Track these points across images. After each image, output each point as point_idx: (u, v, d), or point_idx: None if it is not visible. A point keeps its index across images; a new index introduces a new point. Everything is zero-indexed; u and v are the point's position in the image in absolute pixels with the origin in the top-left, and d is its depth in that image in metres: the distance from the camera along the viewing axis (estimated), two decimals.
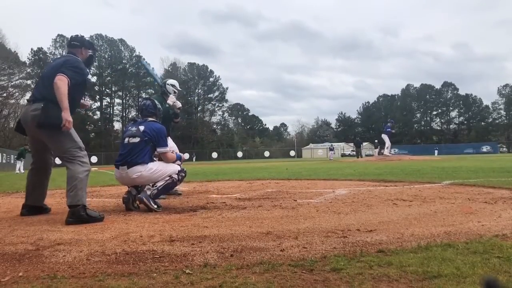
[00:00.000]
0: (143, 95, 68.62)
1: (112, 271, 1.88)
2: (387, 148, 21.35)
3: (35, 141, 3.78)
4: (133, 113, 69.12)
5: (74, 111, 3.71)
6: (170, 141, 5.35)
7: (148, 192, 3.91)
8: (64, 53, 3.81)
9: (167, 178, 4.03)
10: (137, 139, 3.99)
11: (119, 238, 2.59)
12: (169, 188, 4.17)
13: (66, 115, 3.42)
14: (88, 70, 3.90)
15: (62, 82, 3.43)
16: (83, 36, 4.01)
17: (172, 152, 4.26)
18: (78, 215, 3.27)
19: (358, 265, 1.85)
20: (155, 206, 3.88)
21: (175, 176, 4.08)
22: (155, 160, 4.16)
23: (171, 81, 5.69)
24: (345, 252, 2.09)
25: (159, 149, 4.07)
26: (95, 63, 64.77)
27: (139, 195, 3.90)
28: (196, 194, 5.51)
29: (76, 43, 3.88)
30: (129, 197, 4.02)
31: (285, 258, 2.01)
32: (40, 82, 3.78)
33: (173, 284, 1.67)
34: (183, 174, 4.23)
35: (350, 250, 2.14)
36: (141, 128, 4.05)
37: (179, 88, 5.68)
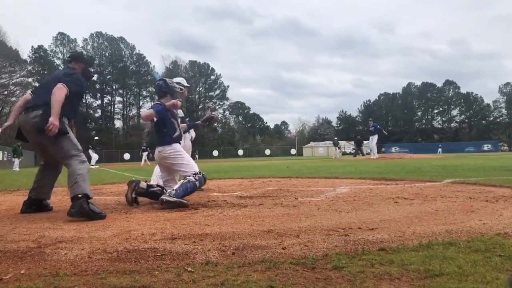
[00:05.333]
0: (144, 93, 68.67)
1: (114, 268, 1.89)
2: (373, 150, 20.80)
3: (38, 147, 3.84)
4: (134, 111, 69.21)
5: (74, 116, 3.81)
6: (188, 141, 5.41)
7: (167, 194, 3.97)
8: (68, 54, 3.97)
9: (184, 180, 4.10)
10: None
11: (120, 236, 2.60)
12: (189, 189, 4.08)
13: (54, 120, 3.46)
14: (86, 83, 4.02)
15: (60, 90, 3.52)
16: (79, 52, 4.15)
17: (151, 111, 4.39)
18: (80, 207, 3.30)
19: (360, 263, 1.86)
20: (179, 199, 3.92)
21: (192, 178, 4.10)
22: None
23: (176, 79, 5.60)
24: (347, 250, 2.09)
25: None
26: (95, 61, 64.77)
27: (160, 197, 3.96)
28: (197, 192, 5.50)
29: (71, 59, 4.01)
30: (132, 201, 4.20)
31: (286, 256, 2.01)
32: (39, 90, 3.88)
33: (175, 282, 1.68)
34: (200, 176, 4.20)
35: (351, 248, 2.14)
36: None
37: (186, 84, 5.60)
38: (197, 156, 50.77)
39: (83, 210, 3.28)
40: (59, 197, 5.06)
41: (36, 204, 3.88)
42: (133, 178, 4.52)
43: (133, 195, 4.19)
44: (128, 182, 4.30)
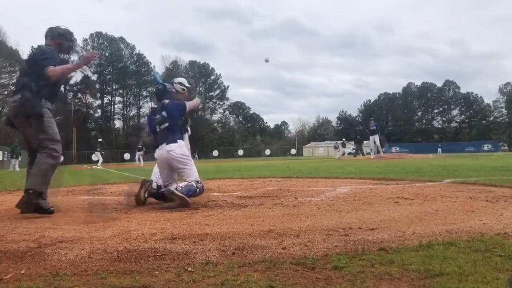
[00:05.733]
0: (144, 93, 68.69)
1: (114, 268, 1.89)
2: (384, 150, 20.92)
3: (22, 134, 3.84)
4: (134, 111, 69.25)
5: (55, 98, 3.82)
6: (186, 141, 5.37)
7: (174, 187, 4.01)
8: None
9: (186, 182, 4.12)
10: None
11: (120, 236, 2.60)
12: (189, 193, 4.05)
13: (80, 60, 3.83)
14: (63, 57, 4.02)
15: (52, 70, 3.55)
16: (56, 27, 4.04)
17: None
18: (29, 201, 3.37)
19: (360, 263, 1.86)
20: (184, 194, 3.93)
21: (194, 184, 4.11)
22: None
23: (177, 79, 5.65)
24: (347, 250, 2.09)
25: None
26: (95, 61, 64.71)
27: (167, 188, 4.01)
28: None
29: (46, 36, 3.98)
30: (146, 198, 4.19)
31: (286, 256, 2.01)
32: (18, 76, 3.94)
33: (175, 282, 1.68)
34: (201, 185, 4.22)
35: (351, 248, 2.14)
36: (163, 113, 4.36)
37: (187, 85, 5.61)
38: (196, 156, 50.77)
39: (31, 205, 3.37)
40: (59, 197, 5.06)
41: None
42: (145, 178, 4.45)
43: (146, 195, 4.17)
44: (142, 181, 4.25)
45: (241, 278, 1.69)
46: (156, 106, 4.71)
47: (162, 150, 4.29)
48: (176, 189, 3.95)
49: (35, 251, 2.26)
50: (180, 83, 5.44)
